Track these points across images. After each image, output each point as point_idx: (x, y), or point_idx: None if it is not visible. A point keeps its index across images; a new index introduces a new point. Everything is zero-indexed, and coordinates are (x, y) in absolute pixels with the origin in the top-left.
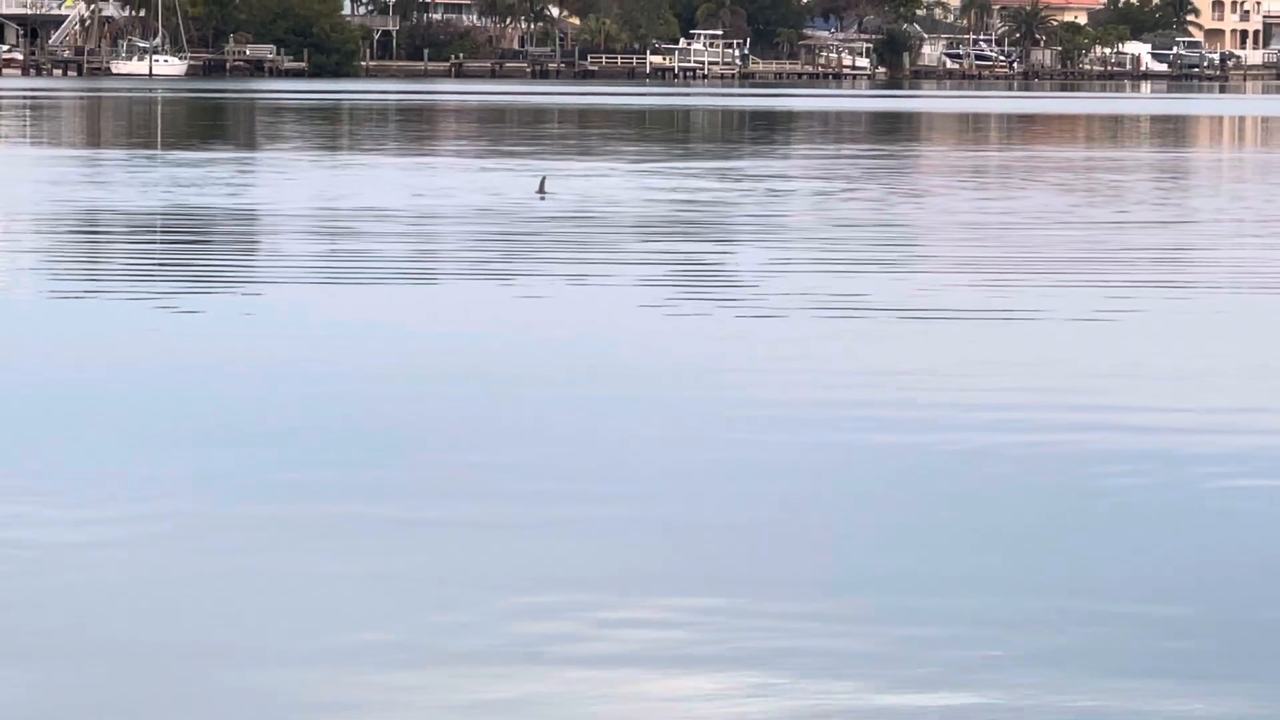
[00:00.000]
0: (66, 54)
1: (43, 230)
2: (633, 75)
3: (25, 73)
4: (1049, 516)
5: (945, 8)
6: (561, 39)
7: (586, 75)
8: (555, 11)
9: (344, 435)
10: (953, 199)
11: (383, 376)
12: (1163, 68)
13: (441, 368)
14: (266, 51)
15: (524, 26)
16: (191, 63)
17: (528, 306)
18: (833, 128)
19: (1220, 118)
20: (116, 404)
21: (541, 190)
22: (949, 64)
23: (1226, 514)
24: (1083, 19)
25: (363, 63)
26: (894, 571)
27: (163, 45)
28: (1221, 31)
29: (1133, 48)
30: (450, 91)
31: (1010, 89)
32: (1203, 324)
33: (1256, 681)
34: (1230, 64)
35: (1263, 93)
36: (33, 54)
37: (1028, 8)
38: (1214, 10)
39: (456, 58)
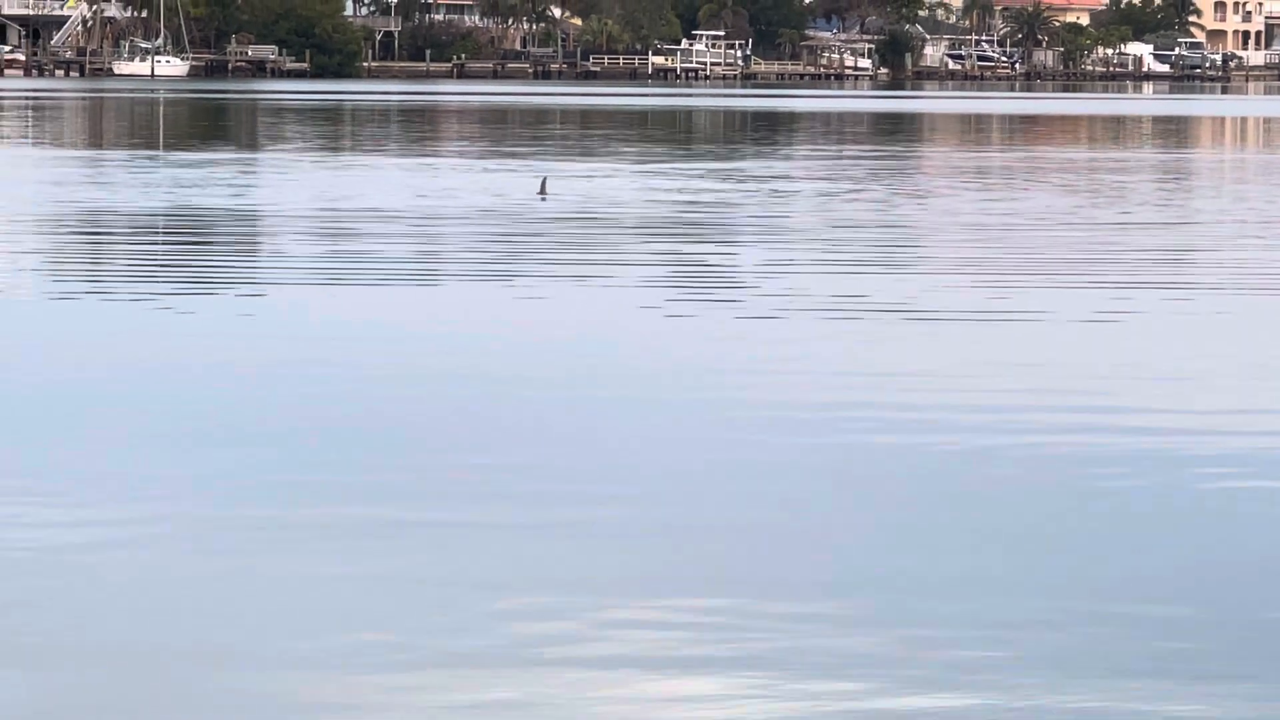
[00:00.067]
0: (68, 55)
1: (45, 231)
2: (635, 76)
3: (27, 73)
4: (1050, 517)
5: (947, 8)
6: (563, 40)
7: (588, 76)
8: (557, 12)
9: (345, 436)
10: (956, 200)
11: (384, 377)
12: (1165, 69)
13: (443, 368)
14: (268, 52)
15: (526, 27)
16: (193, 63)
17: (530, 307)
18: (835, 129)
19: (1222, 119)
20: (118, 404)
21: (543, 191)
22: (951, 65)
23: (1229, 515)
24: (1085, 20)
25: (365, 63)
26: (895, 572)
27: (165, 46)
28: (1223, 32)
29: (1135, 49)
30: (452, 92)
31: (1012, 90)
32: (1205, 325)
33: (1258, 683)
34: (1232, 65)
35: (1265, 94)
36: (35, 55)
37: (1030, 9)
38: (1216, 11)
39: (458, 58)
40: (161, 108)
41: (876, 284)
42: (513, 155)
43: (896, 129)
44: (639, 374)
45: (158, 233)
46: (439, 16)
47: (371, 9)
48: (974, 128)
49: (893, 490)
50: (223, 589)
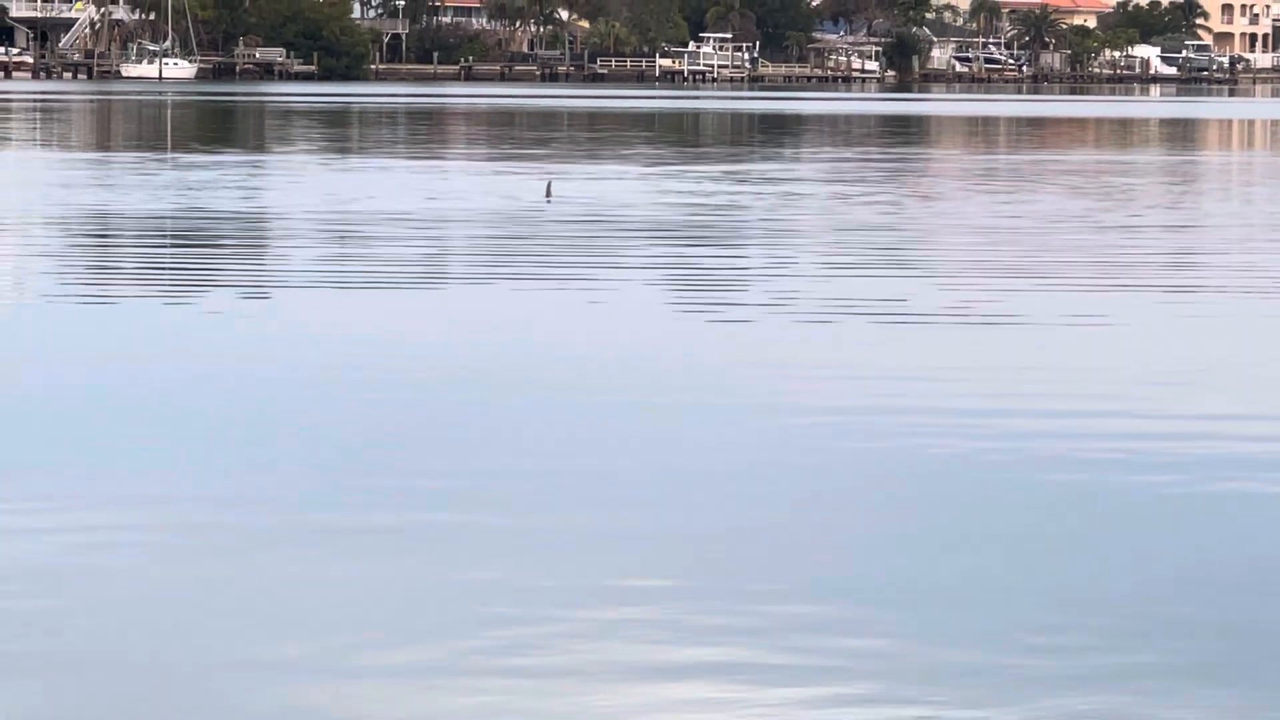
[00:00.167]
0: (76, 57)
1: (54, 234)
2: (642, 78)
3: (35, 76)
4: (1058, 520)
5: (954, 11)
6: (571, 42)
7: (596, 78)
8: (564, 15)
9: (352, 440)
10: (966, 203)
11: (392, 381)
12: (1172, 71)
13: (451, 372)
14: (276, 55)
15: (533, 30)
16: (201, 66)
17: (538, 311)
18: (842, 131)
19: (1229, 121)
20: (124, 407)
21: (548, 195)
22: (958, 67)
23: (1237, 518)
24: (1092, 22)
25: (372, 66)
26: (901, 576)
27: (172, 48)
28: (1231, 35)
29: (1142, 51)
30: (460, 95)
31: (1020, 92)
32: (1215, 328)
33: (1261, 686)
34: (1239, 67)
35: (1272, 96)
36: (42, 57)
37: (1037, 11)
38: (1223, 14)
39: (466, 61)
40: (169, 110)
41: (885, 287)
42: (521, 158)
43: (904, 131)
44: (646, 377)
45: (167, 235)
46: (446, 19)
47: (379, 11)
48: (982, 130)
49: (900, 493)
50: (229, 595)
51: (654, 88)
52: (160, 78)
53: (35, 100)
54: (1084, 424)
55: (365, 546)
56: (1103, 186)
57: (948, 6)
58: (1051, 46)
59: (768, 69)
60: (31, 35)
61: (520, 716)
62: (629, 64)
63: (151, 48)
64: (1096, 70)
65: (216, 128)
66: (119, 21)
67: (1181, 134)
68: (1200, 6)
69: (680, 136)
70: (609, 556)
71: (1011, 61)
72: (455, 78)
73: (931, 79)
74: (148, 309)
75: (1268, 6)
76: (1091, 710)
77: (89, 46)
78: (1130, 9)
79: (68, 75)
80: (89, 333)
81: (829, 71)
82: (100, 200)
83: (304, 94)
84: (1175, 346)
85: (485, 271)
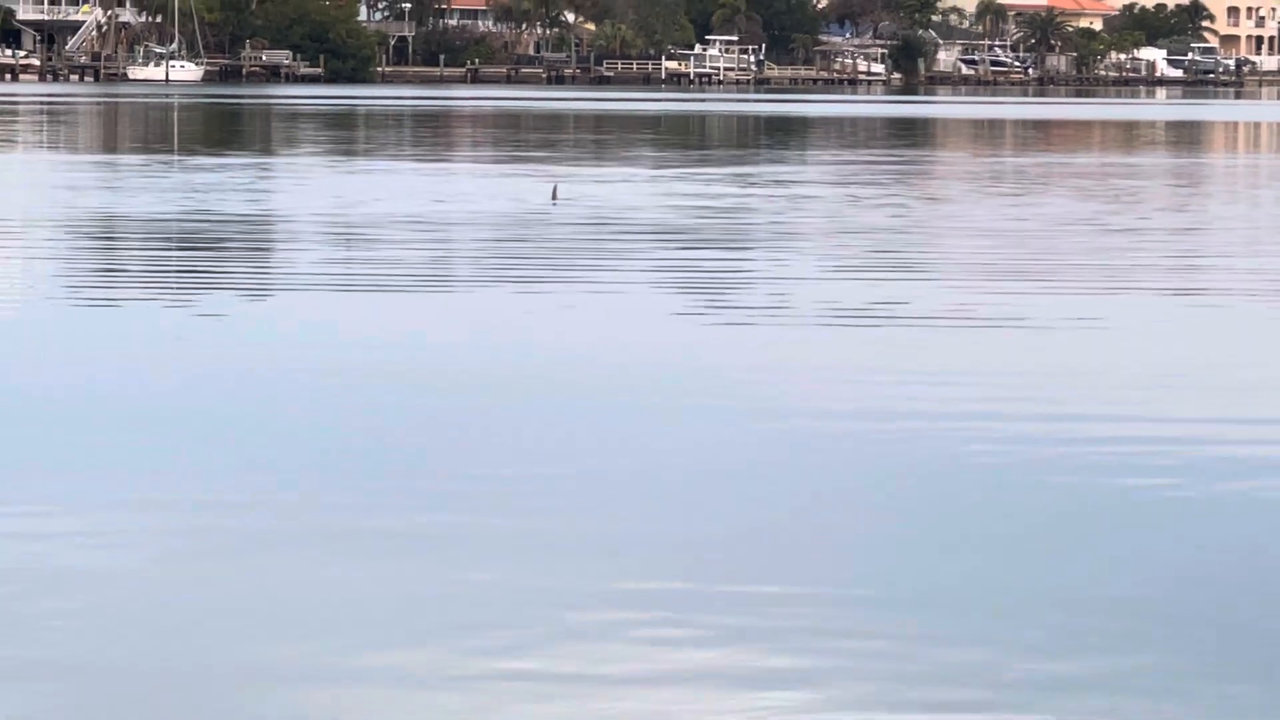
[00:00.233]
0: (83, 60)
1: (61, 236)
2: (648, 81)
3: (42, 78)
4: (1066, 524)
5: (960, 13)
6: (577, 45)
7: (602, 81)
8: (571, 17)
9: (359, 444)
10: (974, 206)
11: (400, 385)
12: (1178, 73)
13: (459, 375)
14: (283, 57)
15: (539, 32)
16: (208, 68)
17: (546, 313)
18: (849, 134)
19: (1235, 124)
20: (130, 410)
21: (554, 198)
22: (964, 69)
23: (1249, 520)
24: (1098, 25)
25: (379, 68)
26: (904, 578)
27: (179, 51)
28: (1237, 37)
29: (1148, 53)
30: (466, 97)
31: (1026, 95)
32: (1223, 331)
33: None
34: (1245, 70)
35: (1278, 98)
36: (49, 59)
37: (1043, 14)
38: (1229, 16)
39: (472, 63)
40: (176, 113)
41: (893, 290)
42: (528, 160)
43: (911, 134)
44: (654, 380)
45: (174, 238)
46: (453, 22)
47: (385, 14)
48: (988, 133)
49: (904, 495)
50: (230, 597)
51: (660, 90)
52: (167, 80)
53: (42, 103)
54: (1092, 428)
55: (370, 550)
56: (1110, 189)
57: (954, 9)
58: (1057, 49)
59: (773, 71)
60: (38, 38)
61: None
62: (635, 66)
63: (158, 50)
64: (1102, 73)
65: (223, 130)
66: (126, 24)
67: (1188, 137)
68: (1206, 9)
69: (687, 139)
70: (615, 560)
71: (1017, 64)
72: (461, 80)
73: (937, 81)
74: (154, 312)
75: (1274, 9)
76: (1101, 710)
77: (95, 49)
78: (1136, 11)
79: (74, 78)
80: (94, 335)
81: (835, 74)
82: (107, 203)
83: (310, 96)
84: (1182, 349)
85: (492, 275)
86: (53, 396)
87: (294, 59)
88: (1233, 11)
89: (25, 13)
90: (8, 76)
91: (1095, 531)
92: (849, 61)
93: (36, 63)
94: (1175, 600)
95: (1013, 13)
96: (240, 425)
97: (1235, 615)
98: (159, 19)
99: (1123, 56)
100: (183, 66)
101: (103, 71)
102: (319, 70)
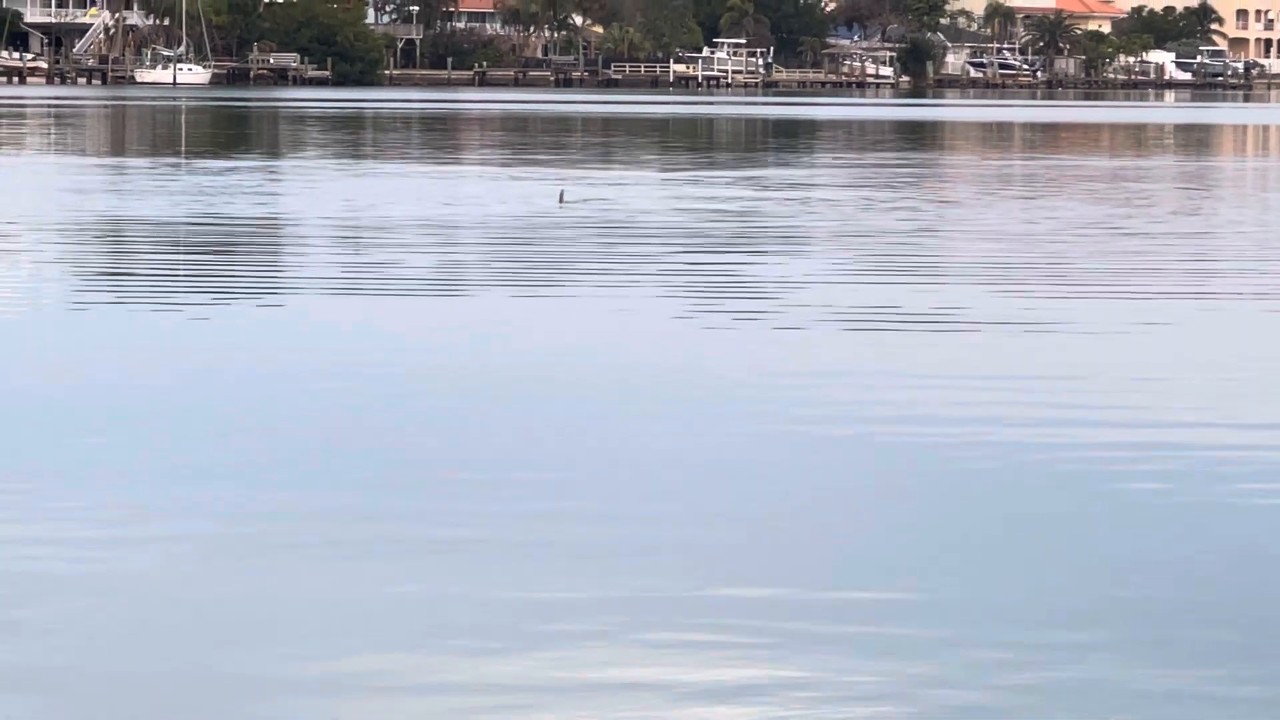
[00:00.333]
0: (90, 62)
1: (69, 240)
2: (656, 84)
3: (49, 81)
4: (1079, 528)
5: (969, 16)
6: (585, 48)
7: (610, 84)
8: (578, 20)
9: (366, 448)
10: (987, 209)
11: (409, 390)
12: (1186, 77)
13: (467, 379)
14: (290, 60)
15: (547, 35)
16: (215, 71)
17: (558, 317)
18: (858, 137)
19: (1244, 127)
20: (138, 413)
21: (561, 200)
22: (972, 73)
23: (1255, 522)
24: (1106, 28)
25: (386, 71)
26: (908, 583)
27: (187, 54)
28: (1245, 40)
29: (1156, 57)
30: (474, 100)
31: (1034, 98)
32: (1236, 334)
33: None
34: (1254, 73)
35: None
36: (57, 62)
37: (1051, 17)
38: (1238, 19)
39: (480, 66)
40: (184, 115)
41: (906, 294)
42: (537, 163)
43: (920, 137)
44: (663, 384)
45: (184, 241)
46: (460, 24)
47: (393, 17)
48: (998, 136)
49: (911, 498)
50: (244, 608)
51: (668, 93)
52: (174, 83)
53: (50, 106)
54: (1104, 433)
55: (377, 554)
56: (1122, 193)
57: (962, 12)
58: (1066, 52)
59: (782, 74)
60: (46, 41)
61: None
62: (643, 69)
63: (166, 53)
64: (1111, 76)
65: (231, 133)
66: (133, 27)
67: (1197, 140)
68: (1215, 12)
69: (696, 142)
70: (619, 563)
71: (1026, 67)
72: (469, 83)
73: (945, 84)
74: (163, 316)
75: None
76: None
77: (103, 52)
78: (1145, 14)
79: (82, 81)
80: (99, 339)
81: (843, 77)
82: (115, 206)
83: (318, 99)
84: (1197, 350)
85: (502, 278)
86: (59, 399)
87: (301, 62)
88: (1242, 14)
89: (33, 15)
90: (15, 79)
91: (1096, 534)
92: (857, 64)
93: (44, 65)
94: (1196, 605)
95: (1021, 16)
96: (245, 428)
97: (1252, 616)
98: (166, 22)
99: (1131, 59)
100: (190, 69)
101: (110, 74)
102: (326, 73)
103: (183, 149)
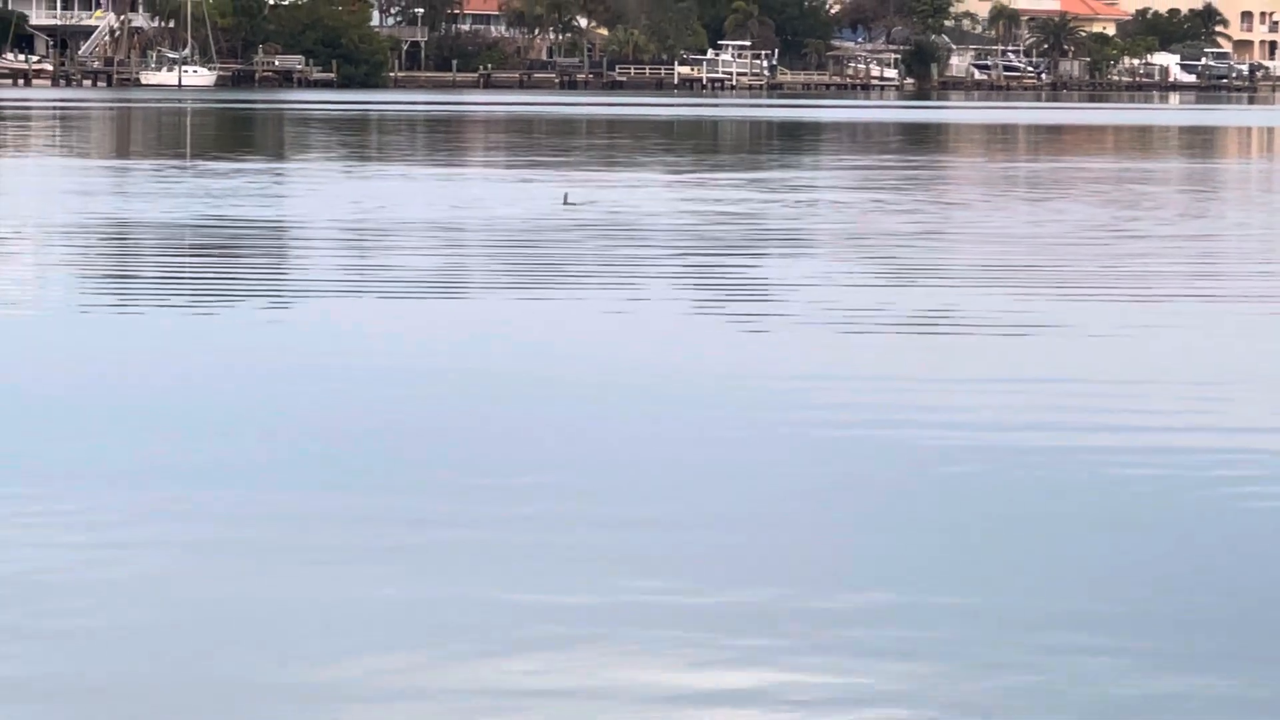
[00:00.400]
0: (96, 65)
1: (75, 242)
2: (661, 86)
3: (55, 83)
4: (1081, 531)
5: (973, 19)
6: (589, 50)
7: (614, 86)
8: (583, 22)
9: (372, 451)
10: (995, 211)
11: (417, 393)
12: (1191, 79)
13: (474, 382)
14: (295, 62)
15: (552, 37)
16: (220, 73)
17: (561, 318)
18: (863, 139)
19: (1249, 129)
20: (142, 415)
21: (566, 201)
22: (977, 75)
23: (1256, 526)
24: (1111, 30)
25: (391, 73)
26: (911, 584)
27: (192, 56)
28: (1250, 42)
29: (1161, 59)
30: (479, 102)
31: (1039, 100)
32: (1239, 336)
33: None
34: (1259, 75)
35: None
36: (62, 64)
37: (1056, 19)
38: (1243, 21)
39: (485, 68)
40: (189, 118)
41: (908, 295)
42: (543, 165)
43: (926, 140)
44: (665, 386)
45: (190, 244)
46: (465, 27)
47: (398, 19)
48: (1003, 138)
49: (917, 502)
50: (244, 609)
51: (673, 95)
52: (180, 85)
53: (55, 108)
54: (1103, 435)
55: (378, 556)
56: (1129, 194)
57: (966, 14)
58: (1070, 54)
59: (786, 76)
60: (51, 43)
61: None
62: (647, 72)
63: (171, 55)
64: (1115, 78)
65: (237, 136)
66: (138, 29)
67: (1203, 141)
68: (1219, 14)
69: (701, 144)
70: (626, 567)
71: (1030, 69)
72: (474, 85)
73: (950, 87)
74: (167, 317)
75: None
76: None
77: (108, 54)
78: (1149, 16)
79: (87, 83)
80: (105, 341)
81: (848, 79)
82: (121, 208)
83: (323, 101)
84: (1201, 355)
85: (506, 279)
86: (60, 399)
87: (307, 64)
88: (1246, 16)
89: (38, 18)
90: (21, 81)
91: (1097, 534)
92: (862, 67)
93: (49, 68)
94: (1196, 605)
95: (1026, 18)
96: (248, 429)
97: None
98: (172, 24)
99: (1136, 62)
100: (195, 72)
101: (115, 77)
102: (331, 75)
103: (188, 151)
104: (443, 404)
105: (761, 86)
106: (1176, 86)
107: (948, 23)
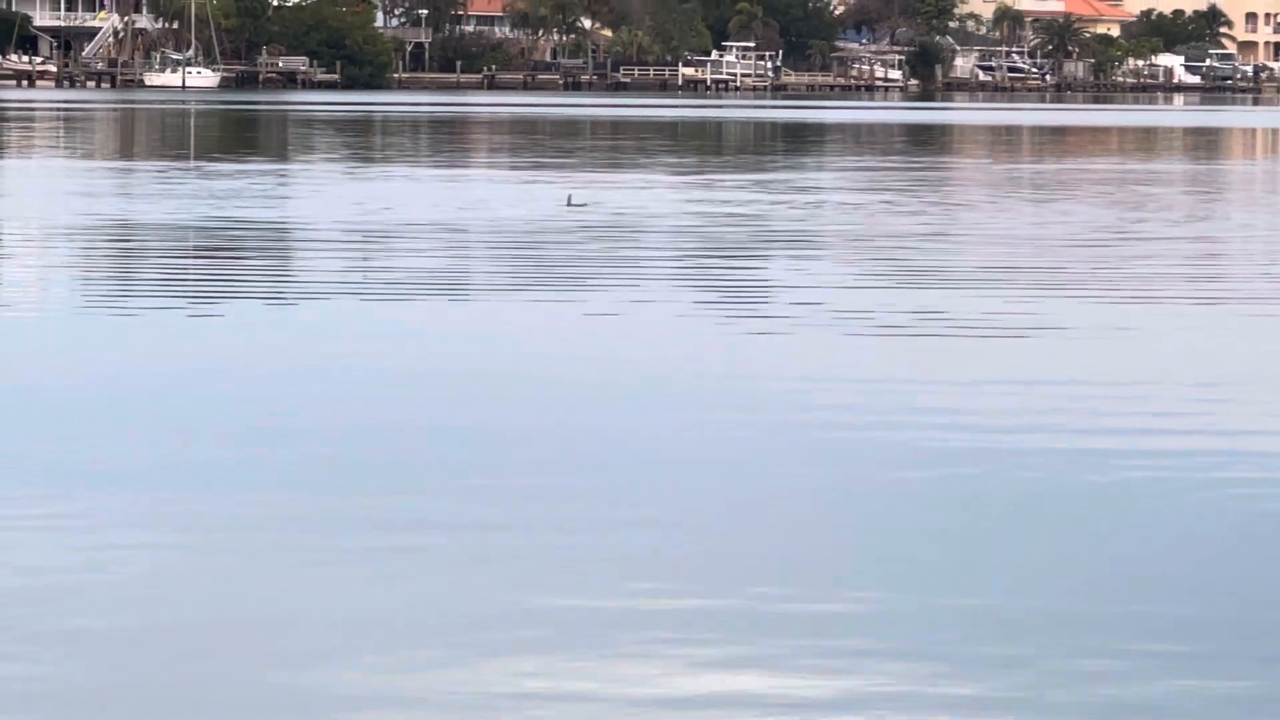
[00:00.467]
0: (100, 66)
1: (80, 243)
2: (665, 87)
3: (59, 84)
4: (1095, 536)
5: (978, 20)
6: (594, 51)
7: (619, 87)
8: (587, 24)
9: (375, 453)
10: (1002, 213)
11: (419, 394)
12: (1195, 80)
13: (475, 383)
14: (299, 63)
15: (556, 39)
16: (224, 75)
17: (564, 320)
18: (868, 140)
19: (1254, 130)
20: (145, 416)
21: (569, 202)
22: (981, 76)
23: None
24: (1115, 31)
25: (395, 75)
26: (911, 586)
27: (196, 57)
28: (1255, 44)
29: (1165, 60)
30: (483, 103)
31: (1043, 101)
32: (1243, 338)
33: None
34: (1263, 76)
35: None
36: (66, 66)
37: (1060, 20)
38: (1247, 22)
39: (489, 70)
40: (193, 119)
41: (911, 297)
42: (548, 167)
43: (930, 141)
44: (668, 387)
45: (194, 244)
46: (469, 28)
47: (402, 20)
48: (1008, 140)
49: (916, 503)
50: (244, 610)
51: (677, 97)
52: (183, 86)
53: (59, 109)
54: (1105, 438)
55: (378, 557)
56: (1134, 196)
57: (971, 15)
58: (1075, 55)
59: (790, 78)
60: (55, 44)
61: None
62: (651, 73)
63: (175, 56)
64: (1120, 79)
65: (241, 136)
66: (142, 30)
67: (1207, 143)
68: (1224, 15)
69: (705, 145)
70: (632, 571)
71: (1035, 70)
72: (478, 86)
73: (954, 88)
74: (171, 318)
75: None
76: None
77: (112, 55)
78: (1154, 18)
79: (91, 84)
80: (108, 342)
81: (852, 80)
82: (125, 209)
83: (327, 102)
84: (1205, 357)
85: (510, 281)
86: (61, 399)
87: (310, 65)
88: (1251, 17)
89: (42, 19)
90: (25, 82)
91: (1096, 535)
92: (866, 68)
93: (53, 69)
94: (1197, 605)
95: (1030, 19)
96: (250, 430)
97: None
98: (175, 25)
99: (1140, 63)
100: (199, 73)
101: (119, 78)
102: (335, 76)
103: (192, 152)
104: (446, 405)
105: (765, 88)
106: (1181, 88)
107: (952, 24)
